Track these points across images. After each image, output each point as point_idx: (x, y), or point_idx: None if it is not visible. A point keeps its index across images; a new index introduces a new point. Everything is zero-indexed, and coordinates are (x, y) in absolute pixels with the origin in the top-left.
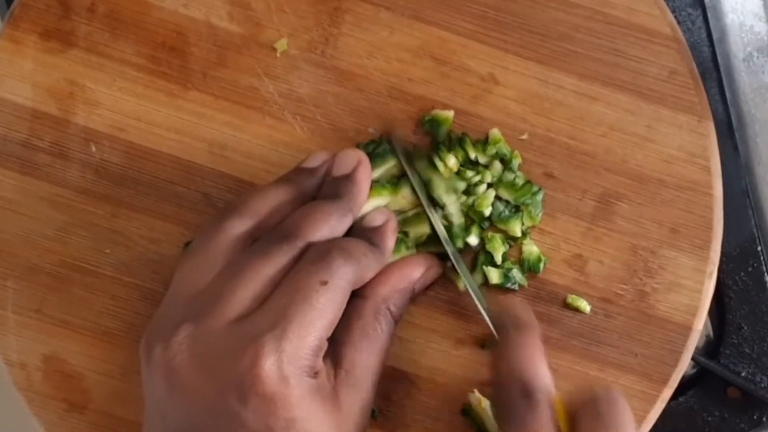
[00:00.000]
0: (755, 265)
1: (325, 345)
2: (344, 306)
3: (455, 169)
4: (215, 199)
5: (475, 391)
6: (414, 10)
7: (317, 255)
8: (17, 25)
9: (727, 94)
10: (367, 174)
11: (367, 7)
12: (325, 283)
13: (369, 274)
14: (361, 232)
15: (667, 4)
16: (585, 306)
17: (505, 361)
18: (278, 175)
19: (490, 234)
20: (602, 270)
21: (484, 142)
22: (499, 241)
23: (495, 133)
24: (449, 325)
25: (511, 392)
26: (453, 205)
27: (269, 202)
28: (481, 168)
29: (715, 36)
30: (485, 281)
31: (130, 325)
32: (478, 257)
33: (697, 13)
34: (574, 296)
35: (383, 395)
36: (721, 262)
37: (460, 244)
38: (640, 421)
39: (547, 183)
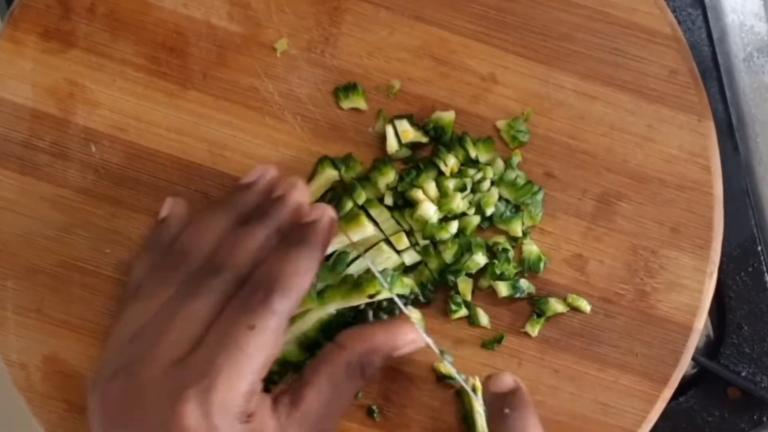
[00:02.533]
0: (755, 264)
1: (259, 386)
2: (280, 340)
3: (456, 169)
4: (215, 199)
5: (476, 377)
6: (414, 9)
7: (243, 297)
8: (17, 26)
9: (728, 94)
10: (303, 195)
11: (366, 7)
12: (252, 327)
13: (306, 283)
14: (294, 228)
15: (668, 4)
16: (585, 306)
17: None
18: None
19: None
20: (603, 270)
21: (485, 140)
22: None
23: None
24: (449, 325)
25: None
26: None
27: (207, 235)
28: (482, 165)
29: (715, 36)
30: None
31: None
32: (486, 272)
33: (697, 12)
34: (574, 296)
35: (383, 395)
36: (722, 261)
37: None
38: (640, 421)
39: (548, 183)
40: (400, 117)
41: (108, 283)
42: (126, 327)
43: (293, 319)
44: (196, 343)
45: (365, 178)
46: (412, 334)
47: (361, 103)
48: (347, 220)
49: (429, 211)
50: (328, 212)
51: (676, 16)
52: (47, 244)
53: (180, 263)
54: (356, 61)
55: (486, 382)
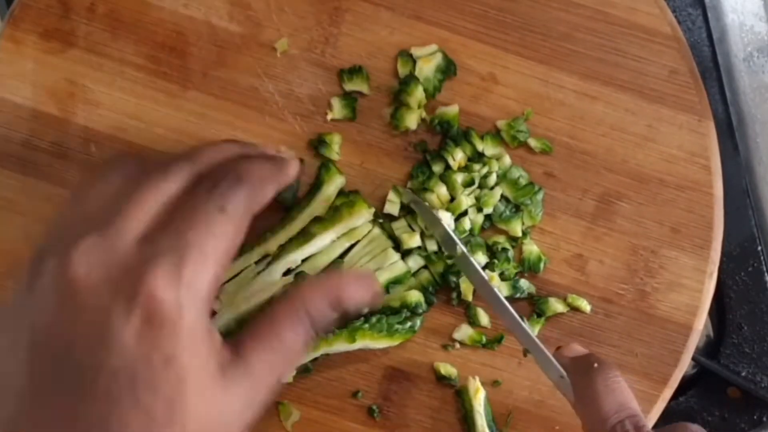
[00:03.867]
0: (755, 264)
1: (220, 282)
2: (242, 234)
3: (463, 164)
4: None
5: (476, 378)
6: (414, 9)
7: (214, 180)
8: (17, 25)
9: (728, 94)
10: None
11: (367, 7)
12: (223, 209)
13: (269, 192)
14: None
15: (668, 4)
16: (585, 306)
17: (610, 398)
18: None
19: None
20: (603, 270)
21: (492, 134)
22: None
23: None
24: (449, 325)
25: (623, 425)
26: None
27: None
28: (487, 159)
29: (715, 36)
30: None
31: None
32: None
33: (697, 12)
34: (574, 296)
35: (383, 395)
36: (722, 261)
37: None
38: None
39: (548, 183)
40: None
41: None
42: (88, 202)
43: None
44: (165, 221)
45: None
46: (365, 283)
47: (364, 87)
48: (348, 205)
49: (446, 219)
50: (292, 157)
51: (676, 16)
52: None
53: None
54: (356, 61)
55: (558, 353)
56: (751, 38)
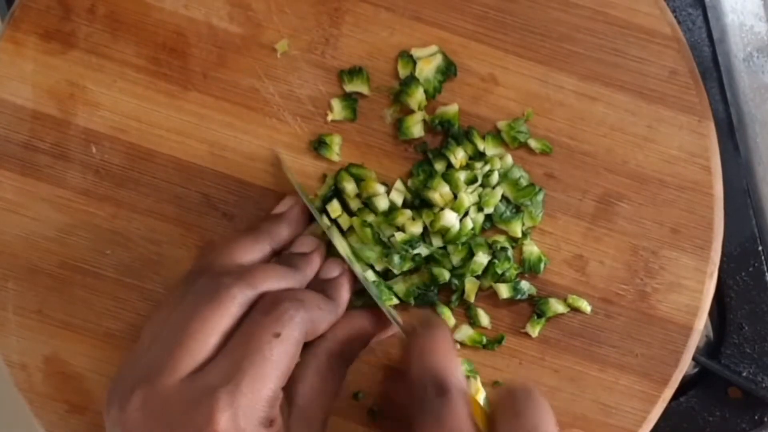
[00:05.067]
0: (756, 264)
1: (280, 395)
2: (298, 355)
3: (464, 163)
4: (216, 200)
5: (477, 378)
6: (414, 10)
7: (270, 305)
8: (18, 27)
9: (728, 94)
10: (320, 258)
11: (367, 8)
12: (278, 334)
13: (323, 326)
14: (316, 284)
15: (668, 4)
16: (586, 306)
17: (417, 356)
18: (277, 175)
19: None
20: (603, 270)
21: (493, 134)
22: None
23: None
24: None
25: (425, 388)
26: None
27: (238, 259)
28: (489, 157)
29: (715, 36)
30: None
31: (130, 326)
32: (487, 274)
33: (697, 13)
34: (574, 296)
35: (383, 395)
36: (722, 262)
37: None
38: (640, 421)
39: (548, 183)
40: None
41: (108, 284)
42: (145, 336)
43: None
44: (216, 350)
45: None
46: (381, 320)
47: (364, 88)
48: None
49: (451, 218)
50: (346, 270)
51: (676, 17)
52: (48, 245)
53: (205, 272)
54: (357, 62)
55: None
56: (751, 38)
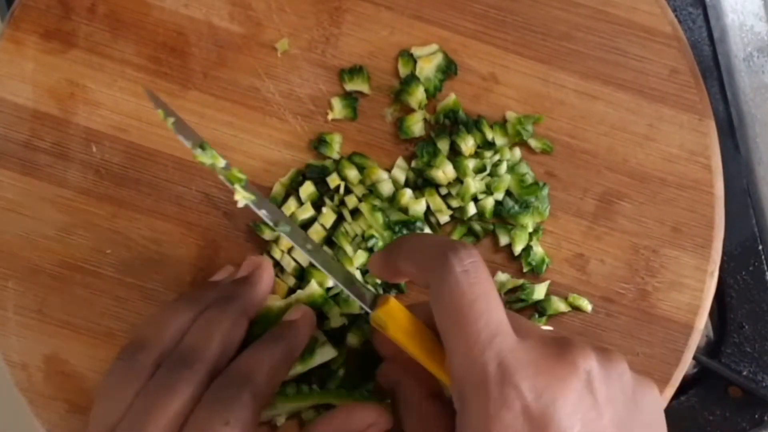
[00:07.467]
0: (756, 263)
1: None
2: (255, 428)
3: (473, 151)
4: (216, 199)
5: None
6: (415, 9)
7: (217, 392)
8: (18, 26)
9: (728, 94)
10: (265, 275)
11: (367, 7)
12: (227, 423)
13: (279, 380)
14: (277, 327)
15: (668, 3)
16: (586, 305)
17: (407, 252)
18: (277, 175)
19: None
20: (604, 269)
21: (500, 125)
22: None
23: (511, 115)
24: None
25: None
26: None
27: (171, 326)
28: (499, 147)
29: (715, 35)
30: None
31: (131, 326)
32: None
33: (697, 12)
34: (575, 295)
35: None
36: (722, 261)
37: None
38: None
39: (549, 182)
40: None
41: (109, 283)
42: (100, 421)
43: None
44: None
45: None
46: (370, 417)
47: (365, 87)
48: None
49: (471, 186)
50: (308, 314)
51: (676, 16)
52: (48, 245)
53: (146, 355)
54: (357, 61)
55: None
56: (751, 38)
